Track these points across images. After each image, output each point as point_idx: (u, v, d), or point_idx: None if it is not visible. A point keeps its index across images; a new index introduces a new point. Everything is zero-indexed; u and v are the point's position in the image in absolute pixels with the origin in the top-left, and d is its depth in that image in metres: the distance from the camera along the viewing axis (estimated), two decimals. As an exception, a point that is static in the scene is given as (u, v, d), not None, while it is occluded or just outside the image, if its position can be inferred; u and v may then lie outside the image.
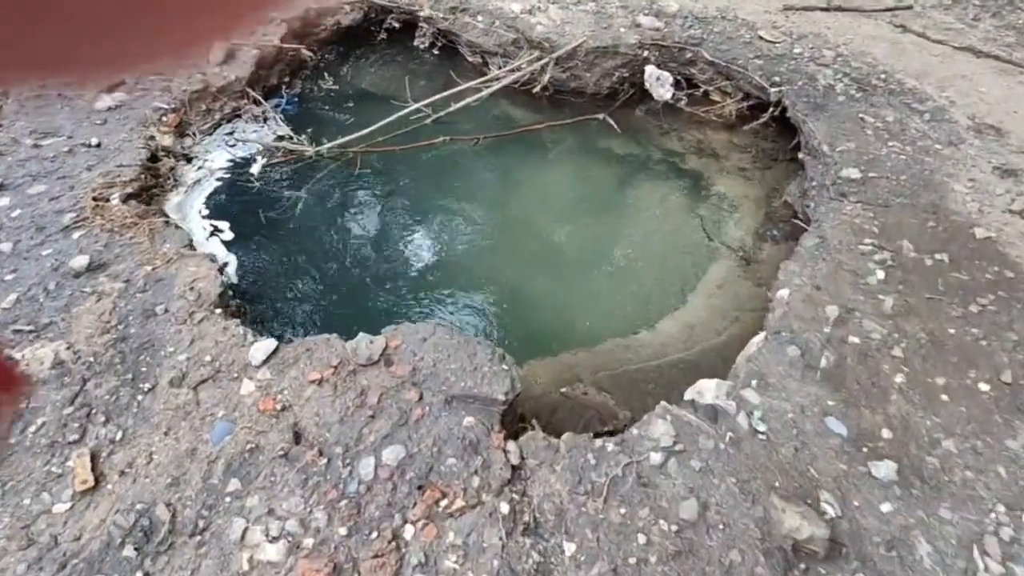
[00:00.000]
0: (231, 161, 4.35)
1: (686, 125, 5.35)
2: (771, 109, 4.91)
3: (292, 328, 3.43)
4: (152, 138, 4.00)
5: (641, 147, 5.24)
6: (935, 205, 3.90)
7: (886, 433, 2.67)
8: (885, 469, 2.51)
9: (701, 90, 5.39)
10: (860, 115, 4.61)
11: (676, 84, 5.39)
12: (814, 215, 3.99)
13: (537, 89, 5.33)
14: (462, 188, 4.60)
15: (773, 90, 4.87)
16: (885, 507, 2.43)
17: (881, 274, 3.40)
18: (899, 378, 2.90)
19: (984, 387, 2.88)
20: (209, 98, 4.50)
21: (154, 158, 3.98)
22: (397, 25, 5.77)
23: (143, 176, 3.81)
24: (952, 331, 3.13)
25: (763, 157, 5.05)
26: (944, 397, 2.83)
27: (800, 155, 4.60)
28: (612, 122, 5.16)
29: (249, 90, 4.63)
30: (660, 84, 5.38)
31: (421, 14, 5.43)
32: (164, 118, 4.22)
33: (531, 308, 3.81)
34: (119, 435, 2.54)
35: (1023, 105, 4.75)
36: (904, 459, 2.59)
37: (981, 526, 2.40)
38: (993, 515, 2.43)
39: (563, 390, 3.21)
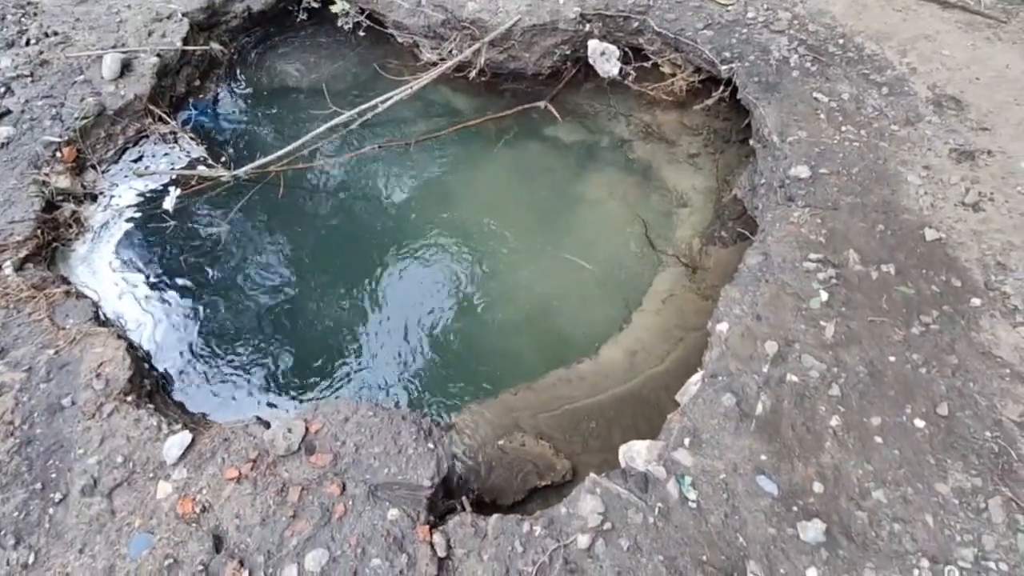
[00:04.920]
0: (141, 195, 4.02)
1: (635, 105, 5.01)
2: (722, 88, 4.58)
3: (215, 399, 3.27)
4: (45, 183, 3.66)
5: (589, 133, 4.92)
6: (886, 203, 3.72)
7: (817, 487, 2.65)
8: (813, 531, 2.51)
9: (650, 63, 5.01)
10: (815, 94, 4.31)
11: (623, 58, 5.00)
12: (761, 220, 3.81)
13: (473, 74, 4.92)
14: (394, 198, 4.31)
15: (724, 67, 4.53)
16: (811, 573, 2.44)
17: (824, 295, 3.29)
18: (834, 421, 2.85)
19: (919, 423, 2.85)
20: (107, 123, 4.09)
21: (50, 206, 3.66)
22: (316, 4, 5.23)
23: (39, 232, 3.51)
24: (892, 359, 3.06)
25: (715, 139, 4.77)
26: (878, 439, 2.80)
27: (751, 142, 4.35)
28: (553, 110, 4.82)
29: (152, 107, 4.21)
30: (606, 59, 4.99)
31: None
32: (58, 154, 3.85)
33: (472, 337, 3.68)
34: (31, 558, 2.46)
35: (985, 70, 4.47)
36: (833, 515, 2.58)
37: (904, 585, 2.43)
38: (916, 572, 2.46)
39: (500, 443, 3.15)
